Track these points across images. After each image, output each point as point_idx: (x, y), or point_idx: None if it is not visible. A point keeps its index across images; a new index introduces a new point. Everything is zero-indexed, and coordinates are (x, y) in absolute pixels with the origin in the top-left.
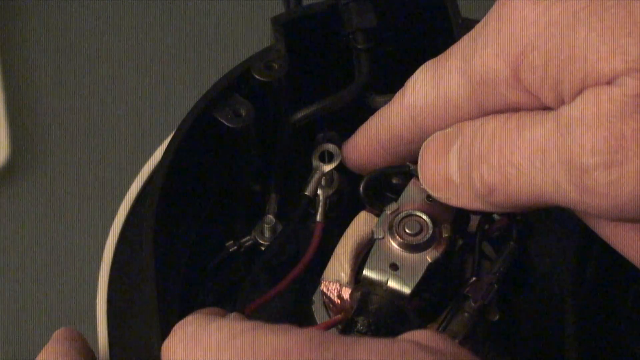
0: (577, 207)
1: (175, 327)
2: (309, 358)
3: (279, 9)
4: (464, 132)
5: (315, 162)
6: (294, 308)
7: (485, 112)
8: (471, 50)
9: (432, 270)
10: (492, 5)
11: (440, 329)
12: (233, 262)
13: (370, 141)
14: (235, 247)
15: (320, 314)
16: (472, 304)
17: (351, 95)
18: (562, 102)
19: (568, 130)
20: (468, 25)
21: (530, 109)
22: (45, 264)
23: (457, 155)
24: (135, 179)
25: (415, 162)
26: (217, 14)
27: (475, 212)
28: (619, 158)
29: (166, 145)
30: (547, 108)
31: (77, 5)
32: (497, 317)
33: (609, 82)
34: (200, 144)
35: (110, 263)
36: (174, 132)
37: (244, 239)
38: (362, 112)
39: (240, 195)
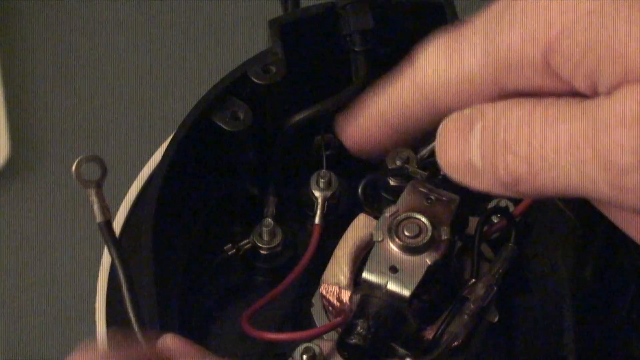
0: (610, 202)
1: None
2: None
3: (277, 11)
4: (485, 115)
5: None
6: (293, 311)
7: (506, 94)
8: (495, 29)
9: (431, 273)
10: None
11: (440, 331)
12: (232, 265)
13: (377, 121)
14: (234, 251)
15: (319, 317)
16: (472, 306)
17: (349, 98)
18: (595, 91)
19: (605, 127)
20: None
21: (558, 93)
22: (44, 265)
23: (479, 140)
24: (134, 182)
25: (432, 148)
26: (214, 16)
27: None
28: None
29: (164, 149)
30: (576, 93)
31: (77, 5)
32: (497, 318)
33: None
34: (199, 147)
35: (109, 266)
36: (172, 135)
37: (243, 242)
38: None
39: (238, 198)
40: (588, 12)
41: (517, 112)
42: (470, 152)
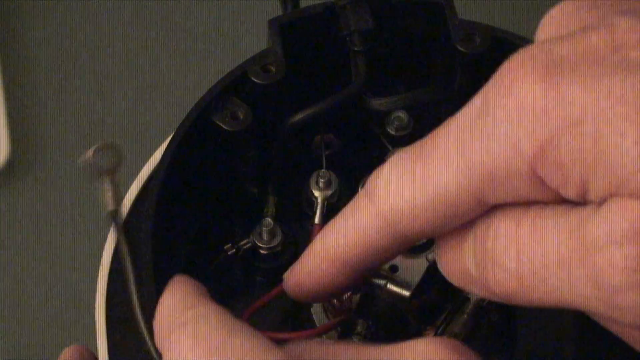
0: (605, 318)
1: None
2: None
3: (276, 11)
4: (475, 227)
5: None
6: (292, 311)
7: (487, 206)
8: (472, 140)
9: (431, 272)
10: (488, 6)
11: (439, 330)
12: (231, 265)
13: (333, 262)
14: (234, 250)
15: (319, 317)
16: (472, 306)
17: (348, 98)
18: (585, 199)
19: (595, 245)
20: (465, 26)
21: (544, 200)
22: (44, 265)
23: (472, 250)
24: (134, 182)
25: None
26: (214, 16)
27: None
28: None
29: (164, 149)
30: (562, 198)
31: (77, 5)
32: (497, 317)
33: None
34: (198, 147)
35: (109, 266)
36: (171, 136)
37: (242, 242)
38: (359, 114)
39: (238, 198)
40: (576, 122)
41: (504, 224)
42: (466, 261)
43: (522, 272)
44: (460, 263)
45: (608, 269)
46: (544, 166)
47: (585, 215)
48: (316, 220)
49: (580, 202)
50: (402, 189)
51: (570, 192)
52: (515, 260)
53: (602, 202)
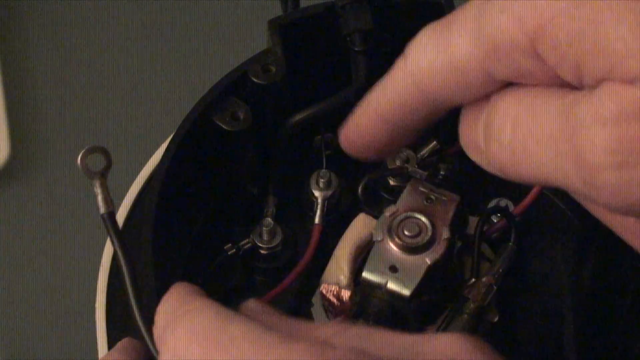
0: (583, 198)
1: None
2: None
3: (276, 11)
4: (488, 103)
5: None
6: (293, 311)
7: (495, 80)
8: (485, 14)
9: (431, 272)
10: None
11: (440, 330)
12: (231, 265)
13: (372, 117)
14: (234, 251)
15: (319, 317)
16: (472, 306)
17: (349, 98)
18: (581, 81)
19: (582, 125)
20: None
21: (545, 79)
22: (44, 265)
23: (483, 124)
24: (134, 183)
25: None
26: (214, 17)
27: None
28: (632, 160)
29: (164, 149)
30: (563, 81)
31: (77, 5)
32: (497, 318)
33: (631, 81)
34: (198, 147)
35: (109, 267)
36: (172, 136)
37: (243, 242)
38: None
39: (238, 198)
40: (577, 5)
41: (506, 101)
42: (478, 133)
43: (515, 146)
44: (474, 135)
45: (590, 148)
46: (543, 43)
47: (578, 97)
48: (316, 220)
49: (577, 86)
50: (426, 52)
51: (566, 73)
52: (510, 134)
53: (595, 86)
